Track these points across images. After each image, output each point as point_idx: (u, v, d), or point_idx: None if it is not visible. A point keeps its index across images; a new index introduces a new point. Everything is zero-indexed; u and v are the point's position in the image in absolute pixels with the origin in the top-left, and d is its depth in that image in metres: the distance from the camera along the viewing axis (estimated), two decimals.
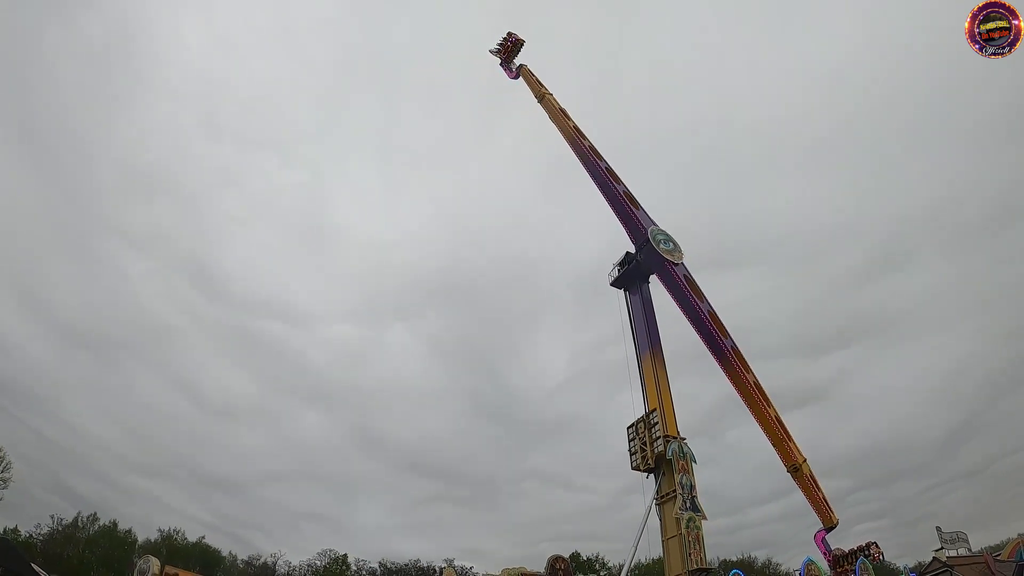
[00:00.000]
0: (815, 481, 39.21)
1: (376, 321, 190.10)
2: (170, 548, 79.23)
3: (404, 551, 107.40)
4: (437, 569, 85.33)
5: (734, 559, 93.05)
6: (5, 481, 63.60)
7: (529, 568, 49.95)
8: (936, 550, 54.31)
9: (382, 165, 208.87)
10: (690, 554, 36.99)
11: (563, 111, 53.47)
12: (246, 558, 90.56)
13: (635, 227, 47.59)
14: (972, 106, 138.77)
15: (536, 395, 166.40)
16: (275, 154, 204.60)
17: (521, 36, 57.92)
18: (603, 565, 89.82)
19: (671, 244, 45.97)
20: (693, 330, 43.90)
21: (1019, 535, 52.84)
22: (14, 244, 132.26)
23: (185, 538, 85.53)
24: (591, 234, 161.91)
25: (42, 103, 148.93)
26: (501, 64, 59.03)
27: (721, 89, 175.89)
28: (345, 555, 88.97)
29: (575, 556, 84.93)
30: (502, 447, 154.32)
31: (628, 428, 45.73)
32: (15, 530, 72.41)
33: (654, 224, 47.48)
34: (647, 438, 43.05)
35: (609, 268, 52.08)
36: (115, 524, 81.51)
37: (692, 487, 39.67)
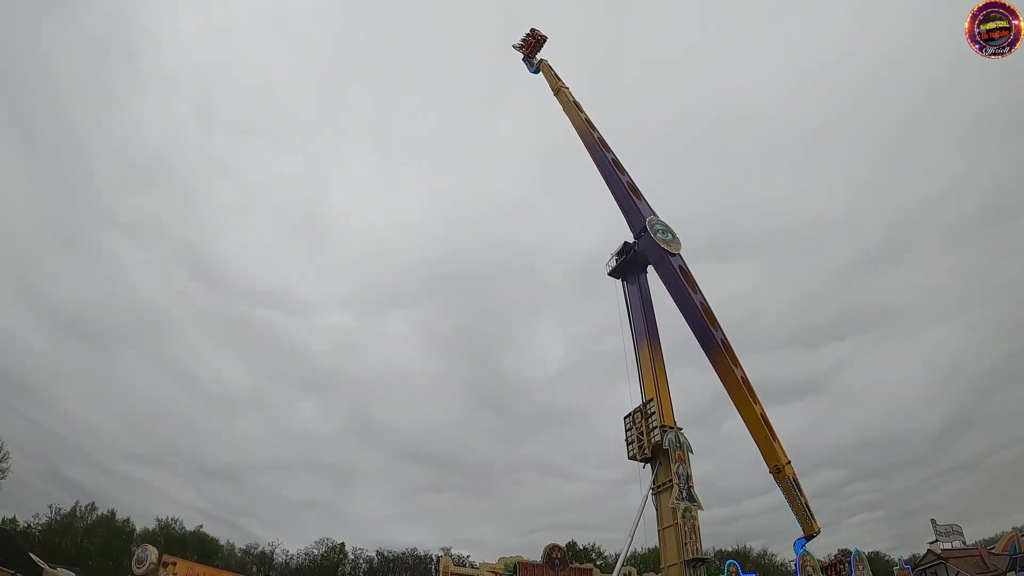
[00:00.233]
0: (798, 485, 37.31)
1: (373, 310, 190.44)
2: (168, 537, 79.55)
3: (401, 540, 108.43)
4: (434, 558, 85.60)
5: (730, 549, 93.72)
6: (3, 471, 63.53)
7: (526, 557, 50.25)
8: (931, 542, 54.56)
9: (379, 154, 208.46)
10: (686, 544, 37.09)
11: (577, 104, 55.02)
12: (244, 547, 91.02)
13: (635, 217, 47.54)
14: (971, 100, 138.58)
15: (533, 384, 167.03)
16: (272, 143, 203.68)
17: (543, 32, 60.63)
18: (599, 554, 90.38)
19: (669, 235, 45.84)
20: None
21: (1013, 529, 53.15)
22: (10, 235, 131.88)
23: (183, 527, 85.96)
24: (589, 225, 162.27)
25: (38, 93, 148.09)
26: (524, 59, 61.56)
27: (719, 81, 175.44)
28: (342, 544, 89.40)
29: (571, 545, 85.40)
30: (499, 436, 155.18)
31: (625, 418, 45.73)
32: (13, 520, 72.54)
33: (654, 215, 47.39)
34: (644, 428, 43.09)
35: (607, 258, 52.08)
36: (113, 513, 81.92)
37: (688, 477, 39.74)
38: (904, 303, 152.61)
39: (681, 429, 41.98)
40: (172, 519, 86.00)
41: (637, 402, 45.20)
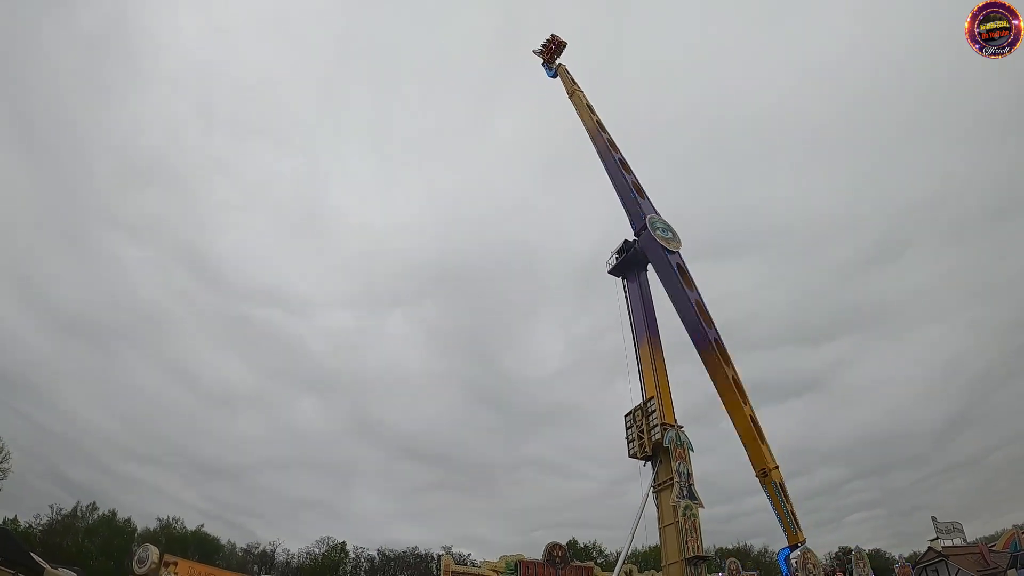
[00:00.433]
0: (784, 491, 36.57)
1: (373, 309, 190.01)
2: (169, 537, 79.49)
3: (402, 539, 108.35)
4: (435, 556, 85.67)
5: (730, 547, 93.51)
6: (4, 472, 63.42)
7: (527, 555, 50.34)
8: (931, 540, 54.47)
9: (379, 153, 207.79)
10: (687, 542, 37.24)
11: (590, 106, 56.48)
12: (245, 546, 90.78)
13: (637, 215, 47.71)
14: (971, 100, 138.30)
15: (534, 383, 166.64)
16: (272, 143, 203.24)
17: (563, 38, 62.76)
18: (600, 552, 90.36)
19: (669, 233, 45.98)
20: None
21: (1014, 526, 53.03)
22: (10, 233, 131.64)
23: (184, 526, 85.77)
24: (588, 224, 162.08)
25: (38, 93, 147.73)
26: (543, 64, 63.56)
27: (719, 81, 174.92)
28: (344, 542, 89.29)
29: (572, 543, 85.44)
30: (500, 435, 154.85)
31: (626, 416, 45.84)
32: (14, 520, 72.46)
33: (655, 213, 47.56)
34: (644, 426, 43.17)
35: (607, 257, 52.23)
36: (114, 513, 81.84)
37: (689, 475, 39.84)
38: (903, 302, 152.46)
39: (682, 427, 42.07)
40: (173, 519, 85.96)
41: (637, 400, 45.29)
